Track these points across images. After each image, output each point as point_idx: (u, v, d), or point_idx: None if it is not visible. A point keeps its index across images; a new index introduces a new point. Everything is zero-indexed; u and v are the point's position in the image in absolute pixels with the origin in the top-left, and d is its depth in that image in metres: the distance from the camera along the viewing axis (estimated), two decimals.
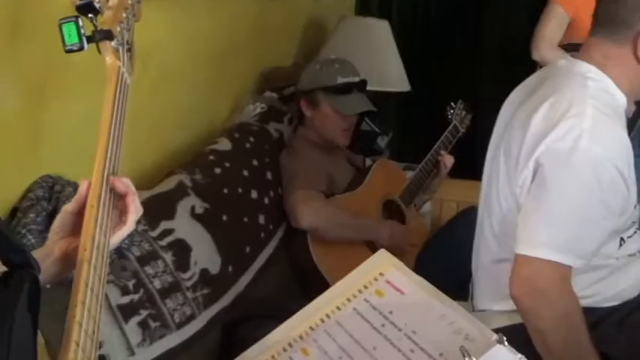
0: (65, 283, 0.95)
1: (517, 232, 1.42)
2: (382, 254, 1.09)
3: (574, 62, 1.51)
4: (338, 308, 1.04)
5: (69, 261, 0.95)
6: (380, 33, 3.04)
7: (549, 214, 1.39)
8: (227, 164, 2.03)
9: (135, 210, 0.97)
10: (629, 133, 2.69)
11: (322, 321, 1.03)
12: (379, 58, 2.96)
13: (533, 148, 1.41)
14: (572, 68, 1.50)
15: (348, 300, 1.05)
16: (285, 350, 1.04)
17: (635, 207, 1.51)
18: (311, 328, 1.05)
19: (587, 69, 1.47)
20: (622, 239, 1.53)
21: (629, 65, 1.45)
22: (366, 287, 1.04)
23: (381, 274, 1.06)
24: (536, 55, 2.67)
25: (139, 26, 1.16)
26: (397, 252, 2.27)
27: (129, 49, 1.07)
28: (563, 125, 1.38)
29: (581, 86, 1.44)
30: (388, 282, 1.05)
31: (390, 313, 1.01)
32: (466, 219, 2.40)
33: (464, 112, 2.66)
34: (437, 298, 1.04)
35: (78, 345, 0.81)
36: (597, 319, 1.51)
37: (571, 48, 2.44)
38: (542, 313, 1.40)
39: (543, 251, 1.37)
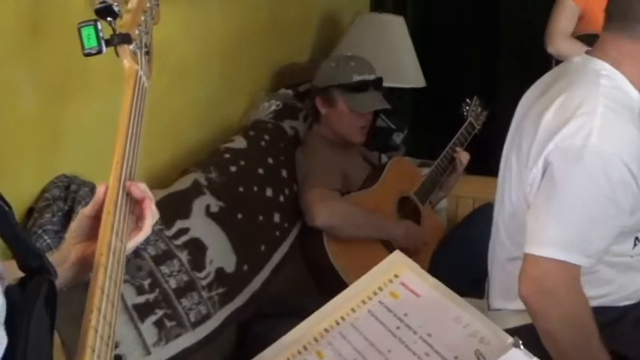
0: (82, 285, 0.96)
1: (526, 230, 1.42)
2: (397, 256, 1.09)
3: (588, 59, 1.50)
4: (353, 310, 1.04)
5: (85, 265, 0.95)
6: (395, 29, 3.03)
7: (557, 213, 1.38)
8: (242, 162, 2.04)
9: (151, 215, 0.98)
10: None
11: (337, 323, 1.03)
12: (394, 54, 2.95)
13: (543, 145, 1.41)
14: (587, 65, 1.49)
15: (363, 302, 1.05)
16: (299, 353, 1.04)
17: None
18: (326, 330, 1.05)
19: (601, 66, 1.46)
20: (637, 238, 1.51)
21: None
22: (380, 289, 1.04)
23: (395, 275, 1.05)
24: (551, 49, 2.69)
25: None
26: (412, 252, 2.31)
27: (147, 52, 1.07)
28: (574, 123, 1.37)
29: (593, 84, 1.43)
30: (403, 284, 1.04)
31: (405, 315, 1.00)
32: (482, 216, 2.40)
33: (479, 109, 2.65)
34: (452, 300, 1.03)
35: (93, 350, 0.82)
36: (613, 317, 1.50)
37: (586, 38, 2.45)
38: (550, 313, 1.39)
39: (551, 250, 1.36)
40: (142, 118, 1.01)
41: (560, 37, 2.65)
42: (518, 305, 1.54)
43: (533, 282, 1.39)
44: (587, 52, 1.53)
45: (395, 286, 1.04)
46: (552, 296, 1.38)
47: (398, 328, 0.99)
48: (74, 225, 0.99)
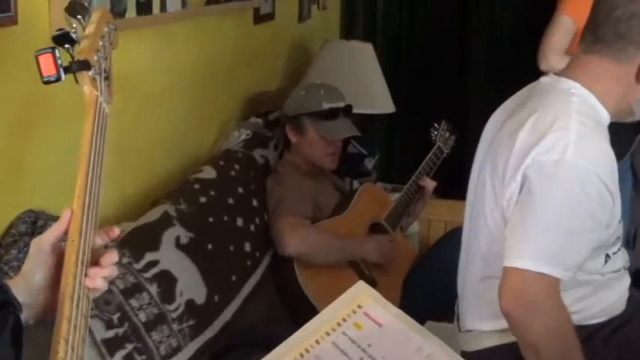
0: (48, 321, 0.96)
1: (505, 245, 1.43)
2: (360, 286, 1.10)
3: (557, 79, 1.53)
4: (317, 342, 1.04)
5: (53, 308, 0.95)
6: (364, 56, 3.07)
7: (536, 226, 1.40)
8: (212, 192, 2.03)
9: (108, 270, 0.97)
10: (626, 152, 2.71)
11: (301, 355, 1.03)
12: (364, 81, 2.99)
13: (520, 161, 1.42)
14: (556, 85, 1.51)
15: (327, 334, 1.05)
16: None
17: (619, 221, 1.52)
18: None
19: (571, 85, 1.49)
20: (607, 255, 1.53)
21: (622, 85, 1.47)
22: (344, 320, 1.05)
23: (359, 306, 1.06)
24: (544, 66, 2.64)
25: (121, 57, 1.17)
26: (387, 262, 2.32)
27: (107, 78, 1.07)
28: (549, 138, 1.39)
29: (565, 101, 1.46)
30: (366, 314, 1.05)
31: (369, 346, 1.01)
32: (453, 239, 2.39)
33: (448, 133, 2.68)
34: (415, 330, 1.04)
35: None
36: (585, 336, 1.51)
37: None
38: (532, 326, 1.40)
39: (531, 263, 1.38)
40: (104, 144, 1.01)
41: (554, 54, 2.62)
42: (492, 325, 1.56)
43: (514, 294, 1.40)
44: (554, 73, 1.56)
45: (358, 316, 1.05)
46: (534, 308, 1.39)
47: (361, 359, 1.00)
48: (33, 251, 0.97)
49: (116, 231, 1.01)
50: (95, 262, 0.96)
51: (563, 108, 1.45)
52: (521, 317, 1.40)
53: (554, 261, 1.39)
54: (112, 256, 0.97)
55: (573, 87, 1.48)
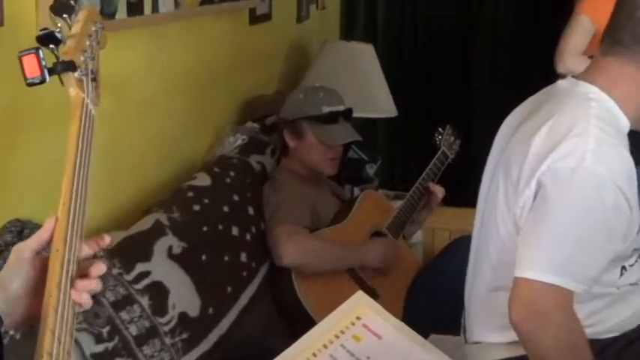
0: (33, 334, 0.95)
1: (516, 254, 1.43)
2: (359, 297, 1.10)
3: (575, 83, 1.52)
4: (314, 355, 1.04)
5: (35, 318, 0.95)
6: (365, 57, 3.08)
7: (550, 236, 1.40)
8: (206, 200, 2.03)
9: (94, 284, 0.96)
10: None
11: None
12: (365, 83, 2.99)
13: (534, 168, 1.42)
14: (574, 89, 1.51)
15: (325, 346, 1.05)
16: None
17: (637, 232, 1.51)
18: None
19: (589, 89, 1.48)
20: (624, 267, 1.53)
21: None
22: (342, 332, 1.05)
23: (358, 317, 1.06)
24: (561, 68, 2.64)
25: (112, 60, 1.17)
26: (389, 267, 2.32)
27: (94, 79, 1.07)
28: (566, 145, 1.39)
29: (584, 106, 1.45)
30: (365, 326, 1.05)
31: (368, 358, 1.02)
32: (458, 248, 2.42)
33: (452, 138, 2.68)
34: (416, 342, 1.04)
35: None
36: (597, 350, 1.50)
37: None
38: (542, 339, 1.40)
39: (542, 273, 1.37)
40: (91, 147, 1.00)
41: (572, 56, 2.60)
42: (500, 337, 1.56)
43: (524, 305, 1.39)
44: (572, 77, 1.56)
45: (357, 328, 1.05)
46: (544, 320, 1.39)
47: None
48: (13, 258, 0.97)
49: (106, 239, 1.00)
50: (83, 273, 0.95)
51: (581, 113, 1.44)
52: (531, 329, 1.40)
53: (566, 272, 1.38)
54: (99, 267, 0.96)
55: (592, 91, 1.48)
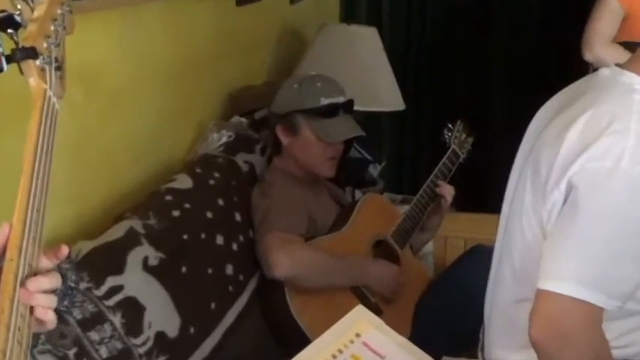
0: None
1: (541, 263, 1.43)
2: (359, 311, 1.11)
3: (619, 72, 1.52)
4: None
5: None
6: (368, 42, 3.08)
7: (580, 245, 1.40)
8: (187, 205, 2.04)
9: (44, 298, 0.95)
10: None
11: None
12: (367, 73, 2.99)
13: (566, 167, 1.42)
14: (617, 78, 1.51)
15: None
16: None
17: None
18: None
19: (635, 80, 1.48)
20: None
21: None
22: (340, 351, 1.05)
23: (357, 334, 1.07)
24: (588, 55, 2.66)
25: (80, 45, 1.16)
26: (391, 294, 2.33)
27: (58, 68, 1.07)
28: (603, 142, 1.39)
29: (626, 99, 1.45)
30: (365, 344, 1.06)
31: None
32: (474, 258, 2.43)
33: (464, 135, 2.68)
34: None
35: None
36: None
37: (632, 46, 2.44)
38: None
39: (570, 287, 1.37)
40: (53, 145, 1.00)
41: (600, 42, 2.62)
42: (523, 356, 1.56)
43: (548, 322, 1.39)
44: (617, 65, 1.55)
45: (356, 347, 1.05)
46: (569, 340, 1.39)
47: None
48: None
49: (64, 250, 1.00)
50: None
51: (622, 106, 1.44)
52: (554, 350, 1.40)
53: (598, 287, 1.38)
54: (48, 281, 0.96)
55: (637, 82, 1.47)
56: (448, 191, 2.55)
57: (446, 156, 2.62)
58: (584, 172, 1.39)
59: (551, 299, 1.39)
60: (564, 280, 1.38)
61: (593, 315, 1.39)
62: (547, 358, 1.42)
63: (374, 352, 1.05)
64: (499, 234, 1.68)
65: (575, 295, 1.37)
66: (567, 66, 2.78)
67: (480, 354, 1.75)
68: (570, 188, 1.41)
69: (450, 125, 2.68)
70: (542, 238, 1.49)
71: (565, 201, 1.43)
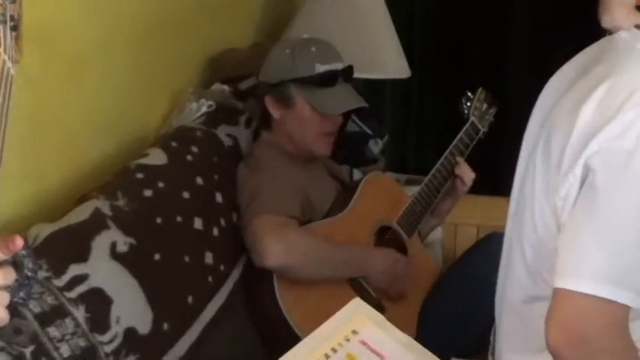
0: None
1: (557, 259, 1.42)
2: (356, 305, 1.11)
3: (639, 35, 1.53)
4: None
5: None
6: (369, 1, 3.08)
7: (601, 236, 1.39)
8: (161, 184, 2.04)
9: None
10: None
11: None
12: (367, 35, 2.99)
13: (581, 147, 1.42)
14: (637, 44, 1.52)
15: None
16: None
17: None
18: None
19: None
20: None
21: None
22: (334, 350, 1.05)
23: (354, 331, 1.07)
24: (607, 22, 2.65)
25: (40, 4, 1.15)
26: (395, 290, 2.33)
27: (14, 28, 1.06)
28: (624, 117, 1.38)
29: None
30: (363, 342, 1.06)
31: None
32: (488, 248, 2.44)
33: (485, 105, 2.69)
34: None
35: None
36: None
37: None
38: None
39: (591, 285, 1.36)
40: (7, 116, 1.00)
41: (621, 7, 2.64)
42: None
43: (567, 326, 1.39)
44: (636, 27, 1.57)
45: (353, 345, 1.05)
46: (592, 346, 1.38)
47: None
48: None
49: (18, 241, 1.00)
50: None
51: None
52: (575, 357, 1.40)
53: (623, 283, 1.37)
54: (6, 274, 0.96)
55: None
56: (468, 174, 2.56)
57: (464, 129, 2.62)
58: (603, 152, 1.39)
59: (571, 299, 1.38)
60: (586, 277, 1.38)
61: (619, 316, 1.39)
62: None
63: (373, 351, 1.06)
64: (509, 221, 1.68)
65: (597, 294, 1.36)
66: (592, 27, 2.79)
67: (490, 357, 1.77)
68: (587, 172, 1.41)
69: (469, 94, 2.67)
70: (556, 229, 1.49)
71: (581, 187, 1.43)
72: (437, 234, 2.85)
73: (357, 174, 2.98)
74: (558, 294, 1.39)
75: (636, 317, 1.43)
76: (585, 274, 1.38)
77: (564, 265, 1.41)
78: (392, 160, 3.54)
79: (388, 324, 1.10)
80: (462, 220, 2.92)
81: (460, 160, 2.57)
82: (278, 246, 2.11)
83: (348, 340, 1.07)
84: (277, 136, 2.39)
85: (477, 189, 2.79)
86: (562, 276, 1.40)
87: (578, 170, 1.42)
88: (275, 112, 2.36)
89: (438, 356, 1.37)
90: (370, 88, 3.07)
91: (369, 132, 3.14)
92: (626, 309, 1.39)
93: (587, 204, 1.41)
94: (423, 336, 2.26)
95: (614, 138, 1.39)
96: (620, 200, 1.39)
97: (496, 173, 3.00)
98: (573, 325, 1.39)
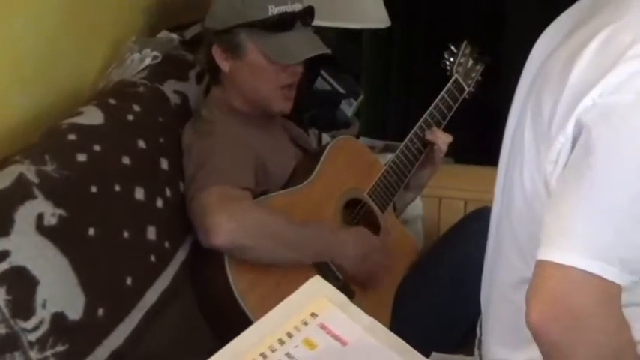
0: None
1: (542, 226, 1.44)
2: (317, 283, 1.13)
3: None
4: None
5: None
6: None
7: (591, 203, 1.40)
8: (97, 147, 2.04)
9: None
10: None
11: None
12: None
13: (574, 102, 1.42)
14: None
15: (263, 356, 1.08)
16: None
17: None
18: None
19: None
20: None
21: None
22: (290, 335, 1.06)
23: (313, 314, 1.08)
24: None
25: None
26: (368, 274, 2.35)
27: None
28: (622, 69, 1.39)
29: None
30: (323, 326, 1.07)
31: None
32: (477, 225, 2.44)
33: (471, 61, 2.70)
34: (394, 349, 1.07)
35: None
36: None
37: None
38: (576, 350, 1.42)
39: (578, 258, 1.38)
40: None
41: None
42: (527, 355, 1.59)
43: (552, 302, 1.40)
44: None
45: (312, 329, 1.06)
46: (580, 325, 1.40)
47: None
48: None
49: None
50: None
51: None
52: (560, 337, 1.41)
53: (613, 257, 1.39)
54: None
55: None
56: (443, 139, 2.57)
57: (446, 88, 2.64)
58: (598, 107, 1.40)
59: (556, 272, 1.39)
60: (573, 248, 1.39)
61: (610, 291, 1.40)
62: (551, 347, 1.43)
63: (334, 336, 1.07)
64: (497, 192, 1.70)
65: (587, 268, 1.37)
66: None
67: (476, 352, 1.79)
68: (580, 130, 1.42)
69: (452, 48, 2.68)
70: (546, 196, 1.51)
71: (573, 147, 1.44)
72: (417, 209, 2.87)
73: (326, 139, 2.98)
74: (542, 266, 1.40)
75: (627, 306, 1.45)
76: (574, 245, 1.39)
77: (550, 236, 1.42)
78: (368, 123, 3.54)
79: (352, 306, 1.11)
80: (447, 193, 2.93)
81: (433, 127, 2.58)
82: (227, 223, 2.10)
83: (305, 323, 1.08)
84: (227, 93, 2.39)
85: (465, 158, 2.81)
86: (547, 247, 1.40)
87: (570, 129, 1.43)
88: (224, 63, 2.37)
89: (418, 349, 1.39)
90: (344, 40, 3.07)
91: (342, 91, 3.15)
92: (617, 285, 1.40)
93: (580, 167, 1.42)
94: (399, 326, 2.27)
95: (612, 91, 1.39)
96: (614, 162, 1.40)
97: (487, 140, 3.02)
98: (559, 300, 1.39)
